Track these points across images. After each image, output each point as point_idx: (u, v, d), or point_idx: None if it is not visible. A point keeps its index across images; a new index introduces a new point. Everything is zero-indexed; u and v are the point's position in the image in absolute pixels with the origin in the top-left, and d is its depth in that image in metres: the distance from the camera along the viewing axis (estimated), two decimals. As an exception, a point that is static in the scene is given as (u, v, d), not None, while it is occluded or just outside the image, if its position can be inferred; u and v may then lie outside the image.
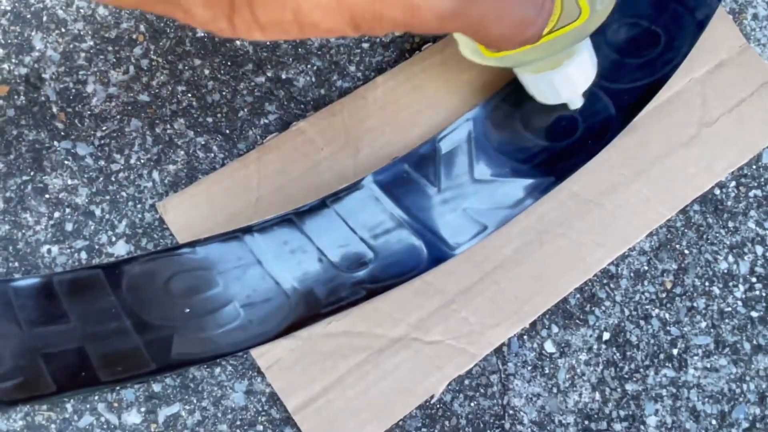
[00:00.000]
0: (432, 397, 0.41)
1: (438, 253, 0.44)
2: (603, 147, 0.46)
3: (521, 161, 0.46)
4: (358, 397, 0.41)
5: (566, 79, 0.39)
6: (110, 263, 0.40)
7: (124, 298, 0.39)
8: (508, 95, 0.48)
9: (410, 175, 0.45)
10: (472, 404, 0.41)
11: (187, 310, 0.41)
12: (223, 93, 0.45)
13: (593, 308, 0.43)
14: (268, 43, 0.47)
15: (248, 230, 0.42)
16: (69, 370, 0.39)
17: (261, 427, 0.40)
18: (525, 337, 0.42)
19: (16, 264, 0.41)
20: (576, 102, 0.43)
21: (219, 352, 0.40)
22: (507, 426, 0.41)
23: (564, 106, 0.44)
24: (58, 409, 0.39)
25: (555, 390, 0.42)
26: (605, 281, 0.44)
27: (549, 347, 0.43)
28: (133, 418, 0.39)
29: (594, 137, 0.47)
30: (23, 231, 0.41)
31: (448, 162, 0.46)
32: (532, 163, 0.46)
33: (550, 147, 0.47)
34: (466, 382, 0.41)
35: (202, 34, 0.46)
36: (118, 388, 0.39)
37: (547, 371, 0.42)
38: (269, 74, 0.46)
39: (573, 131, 0.47)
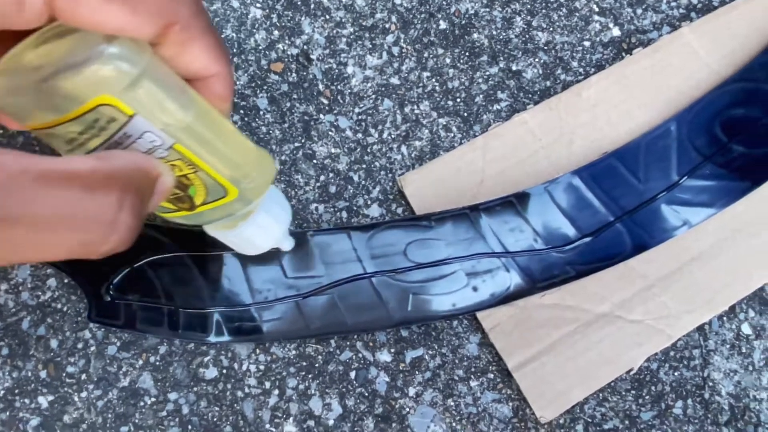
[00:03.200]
0: (631, 369, 0.46)
1: (641, 242, 0.48)
2: (799, 155, 0.50)
3: (720, 165, 0.50)
4: (567, 363, 0.46)
5: (243, 239, 0.38)
6: (357, 226, 0.47)
7: (368, 257, 0.45)
8: (709, 102, 0.52)
9: (618, 169, 0.50)
10: (676, 374, 0.46)
11: (421, 274, 0.46)
12: (462, 80, 0.51)
13: (787, 299, 0.48)
14: (501, 36, 0.52)
15: (475, 208, 0.48)
16: (321, 316, 0.45)
17: (492, 375, 0.46)
18: (724, 318, 0.47)
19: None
20: (284, 245, 0.44)
21: (449, 313, 0.47)
22: (706, 396, 0.46)
23: None
24: (324, 343, 0.45)
25: (751, 368, 0.46)
26: (799, 276, 0.48)
27: (746, 329, 0.47)
28: (384, 356, 0.46)
29: (791, 146, 0.50)
30: (296, 190, 0.48)
31: (652, 159, 0.50)
32: (730, 167, 0.50)
33: (747, 153, 0.50)
34: (671, 353, 0.46)
35: (445, 27, 0.51)
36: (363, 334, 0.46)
37: (743, 350, 0.47)
38: (501, 65, 0.51)
39: (769, 138, 0.50)
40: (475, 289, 0.48)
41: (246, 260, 0.46)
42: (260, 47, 0.52)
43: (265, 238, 0.39)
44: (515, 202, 0.49)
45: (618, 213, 0.50)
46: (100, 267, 0.45)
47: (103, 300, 0.45)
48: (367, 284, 0.47)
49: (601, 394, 0.47)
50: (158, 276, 0.45)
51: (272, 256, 0.46)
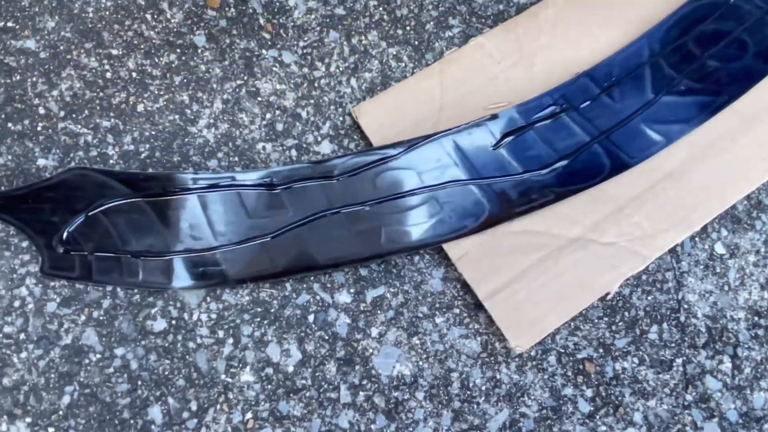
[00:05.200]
0: (607, 294, 0.42)
1: (620, 162, 0.46)
2: (773, 68, 0.47)
3: (696, 80, 0.47)
4: (540, 290, 0.43)
5: None
6: (322, 159, 0.43)
7: (335, 191, 0.42)
8: (680, 18, 0.49)
9: (592, 89, 0.46)
10: (649, 298, 0.43)
11: (393, 205, 0.43)
12: (411, 7, 0.47)
13: (760, 214, 0.45)
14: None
15: (445, 134, 0.45)
16: (290, 254, 0.41)
17: (458, 311, 0.42)
18: (696, 238, 0.44)
19: (236, 158, 0.44)
20: None
21: (423, 243, 0.44)
22: (682, 319, 0.43)
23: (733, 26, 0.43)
24: (279, 287, 0.42)
25: (726, 288, 0.43)
26: (772, 190, 0.45)
27: (719, 249, 0.44)
28: (344, 297, 0.42)
29: (763, 59, 0.47)
30: (240, 129, 0.44)
31: (626, 78, 0.48)
32: (706, 82, 0.47)
33: (723, 67, 0.47)
34: (644, 277, 0.43)
35: (391, -48, 0.48)
36: (331, 271, 0.41)
37: (718, 270, 0.44)
38: (452, -9, 0.47)
39: (744, 52, 0.47)
40: (450, 217, 0.44)
41: (206, 202, 0.43)
42: (194, -18, 0.48)
43: None
44: (487, 126, 0.46)
45: (595, 133, 0.46)
46: (51, 217, 0.41)
47: (55, 252, 0.42)
48: (337, 219, 0.44)
49: (572, 323, 0.44)
50: (114, 223, 0.42)
51: (233, 197, 0.43)
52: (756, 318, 0.45)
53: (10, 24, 0.47)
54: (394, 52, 0.48)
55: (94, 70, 0.46)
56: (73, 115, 0.46)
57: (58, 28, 0.47)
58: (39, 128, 0.45)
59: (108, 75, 0.46)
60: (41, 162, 0.45)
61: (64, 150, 0.45)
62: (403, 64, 0.48)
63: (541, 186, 0.45)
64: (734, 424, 0.43)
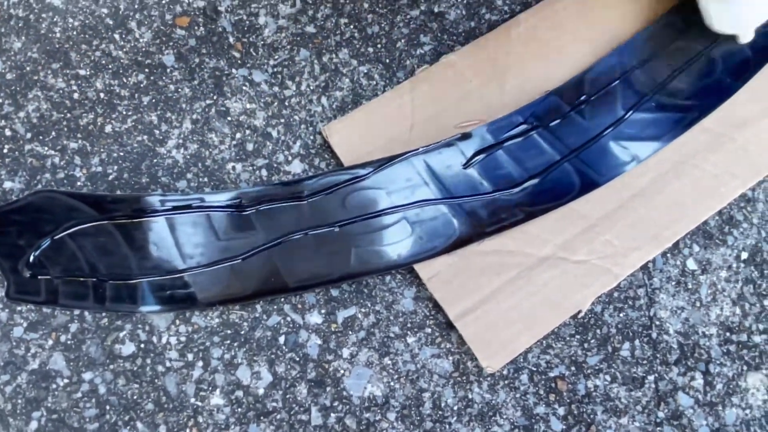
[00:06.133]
0: (579, 312, 0.42)
1: (590, 180, 0.46)
2: (741, 86, 0.47)
3: (667, 96, 0.47)
4: (511, 309, 0.43)
5: (747, 6, 0.38)
6: (292, 180, 0.42)
7: (305, 212, 0.41)
8: (652, 34, 0.49)
9: (561, 107, 0.46)
10: (621, 315, 0.43)
11: (363, 226, 0.43)
12: (382, 25, 0.47)
13: (732, 229, 0.45)
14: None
15: (415, 153, 0.44)
16: (260, 276, 0.41)
17: (429, 330, 0.42)
18: (668, 255, 0.44)
19: (206, 179, 0.43)
20: (747, 35, 0.45)
21: (394, 264, 0.44)
22: (654, 335, 0.43)
23: (725, 39, 0.44)
24: (249, 309, 0.42)
25: (698, 304, 0.43)
26: (742, 204, 0.45)
27: (691, 265, 0.44)
28: (315, 318, 0.42)
29: (732, 76, 0.47)
30: (210, 150, 0.44)
31: (597, 95, 0.48)
32: (677, 99, 0.47)
33: (693, 83, 0.47)
34: (615, 294, 0.43)
35: (362, -30, 0.47)
36: (301, 293, 0.41)
37: (690, 286, 0.44)
38: (423, 8, 0.47)
39: (713, 70, 0.47)
40: (420, 237, 0.44)
41: (174, 224, 0.42)
42: (163, 1, 0.47)
43: (763, 12, 0.43)
44: (458, 145, 0.46)
45: (564, 152, 0.46)
46: (17, 240, 0.41)
47: (22, 276, 0.41)
48: (307, 241, 0.43)
49: (544, 341, 0.44)
50: (80, 247, 0.42)
51: (203, 219, 0.42)
52: (728, 334, 0.45)
53: (-25, 45, 0.46)
54: (365, 70, 0.48)
55: (61, 91, 0.46)
56: (40, 137, 0.45)
57: (24, 48, 0.46)
58: (5, 150, 0.45)
59: (75, 96, 0.46)
60: (7, 185, 0.44)
61: (30, 172, 0.44)
62: (375, 82, 0.48)
63: (512, 205, 0.45)
64: (706, 440, 0.43)
